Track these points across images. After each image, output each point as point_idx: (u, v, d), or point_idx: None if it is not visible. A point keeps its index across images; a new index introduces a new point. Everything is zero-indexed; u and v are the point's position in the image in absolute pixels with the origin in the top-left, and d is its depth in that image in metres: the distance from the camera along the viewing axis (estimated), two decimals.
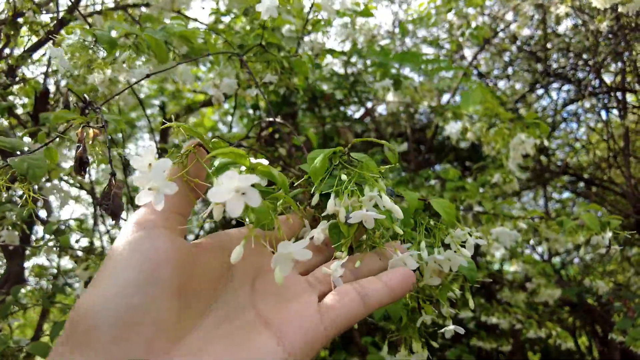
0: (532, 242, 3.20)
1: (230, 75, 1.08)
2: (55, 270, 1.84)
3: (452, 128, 1.26)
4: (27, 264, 1.76)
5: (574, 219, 0.82)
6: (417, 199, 0.58)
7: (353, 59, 1.84)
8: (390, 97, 1.63)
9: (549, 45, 3.15)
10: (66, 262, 1.95)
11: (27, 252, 1.70)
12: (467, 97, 1.18)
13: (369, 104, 2.56)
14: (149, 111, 3.02)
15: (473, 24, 2.22)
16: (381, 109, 3.62)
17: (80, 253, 1.27)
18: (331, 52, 1.59)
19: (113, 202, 0.59)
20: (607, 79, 3.31)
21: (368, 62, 1.91)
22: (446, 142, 3.77)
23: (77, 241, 1.28)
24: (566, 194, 4.23)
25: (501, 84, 3.75)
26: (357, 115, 2.54)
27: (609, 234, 0.76)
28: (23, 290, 2.27)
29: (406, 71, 2.56)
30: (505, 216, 1.09)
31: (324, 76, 2.08)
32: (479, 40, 2.16)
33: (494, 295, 2.42)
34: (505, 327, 2.11)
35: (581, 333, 3.66)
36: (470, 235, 0.56)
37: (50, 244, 1.20)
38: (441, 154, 3.41)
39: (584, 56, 3.07)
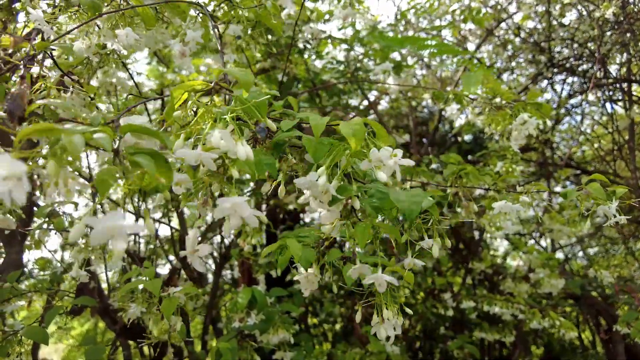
0: (535, 234, 3.17)
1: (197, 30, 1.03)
2: (58, 264, 1.84)
3: (453, 109, 1.24)
4: (30, 257, 1.75)
5: (578, 189, 0.80)
6: (323, 124, 0.55)
7: (355, 47, 1.81)
8: (391, 80, 1.61)
9: (553, 36, 3.11)
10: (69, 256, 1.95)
11: (28, 242, 1.69)
12: (469, 78, 1.16)
13: (372, 95, 2.54)
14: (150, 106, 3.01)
15: (475, 14, 2.19)
16: (384, 103, 3.60)
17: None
18: (331, 38, 1.57)
19: (13, 101, 0.59)
20: (612, 70, 3.28)
21: (369, 52, 1.89)
22: (448, 135, 3.74)
23: (71, 223, 1.27)
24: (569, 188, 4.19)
25: (504, 76, 3.72)
26: (359, 107, 2.51)
27: (615, 203, 0.73)
28: (26, 283, 2.27)
29: (408, 62, 2.53)
30: (508, 191, 1.07)
31: (325, 69, 2.07)
32: (481, 25, 2.13)
33: (497, 286, 2.40)
34: (508, 319, 2.09)
35: (584, 327, 3.63)
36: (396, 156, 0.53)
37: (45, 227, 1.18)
38: (443, 147, 3.38)
39: (589, 46, 3.03)
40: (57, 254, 1.82)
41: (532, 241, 3.17)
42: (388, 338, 0.62)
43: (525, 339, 2.57)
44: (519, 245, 2.29)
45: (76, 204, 1.35)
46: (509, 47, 3.42)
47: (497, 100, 1.14)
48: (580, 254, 3.93)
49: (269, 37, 1.23)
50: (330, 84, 1.86)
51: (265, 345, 1.46)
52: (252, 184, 2.06)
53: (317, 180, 0.52)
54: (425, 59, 3.63)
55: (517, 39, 3.33)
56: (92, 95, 0.91)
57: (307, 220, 2.80)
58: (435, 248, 0.62)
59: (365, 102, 2.97)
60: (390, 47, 1.45)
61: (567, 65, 3.31)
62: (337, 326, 2.76)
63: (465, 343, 1.91)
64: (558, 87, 3.71)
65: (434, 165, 1.55)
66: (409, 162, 0.53)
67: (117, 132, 0.40)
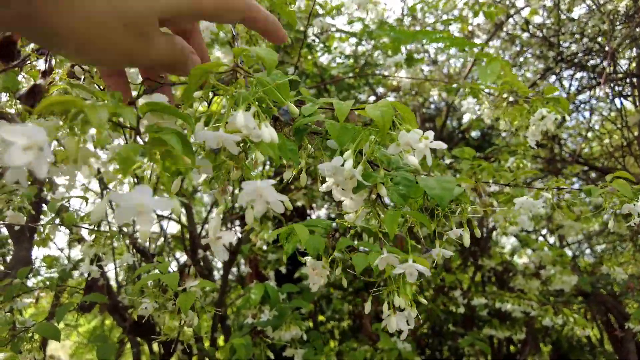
0: (544, 231, 3.14)
1: None
2: (66, 262, 1.83)
3: (469, 104, 1.22)
4: (38, 254, 1.75)
5: (602, 187, 0.77)
6: (348, 108, 0.53)
7: (364, 41, 1.79)
8: (402, 74, 1.59)
9: (562, 30, 3.08)
10: (77, 253, 1.94)
11: (36, 237, 1.68)
12: (485, 69, 1.14)
13: (380, 91, 2.52)
14: None
15: (486, 8, 2.16)
16: (391, 99, 3.57)
17: (86, 232, 1.25)
18: (340, 31, 1.55)
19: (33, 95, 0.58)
20: (622, 65, 3.24)
21: (379, 45, 1.87)
22: (456, 131, 3.71)
23: (81, 218, 1.25)
24: (577, 185, 4.16)
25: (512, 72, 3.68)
26: (367, 102, 2.49)
27: None
28: (34, 280, 2.27)
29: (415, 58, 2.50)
30: (526, 187, 1.04)
31: (331, 65, 2.05)
32: (492, 19, 2.10)
33: (506, 283, 2.38)
34: (519, 316, 2.06)
35: (593, 326, 3.60)
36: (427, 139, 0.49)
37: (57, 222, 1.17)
38: (451, 143, 3.36)
39: (599, 40, 2.99)
40: (65, 251, 1.82)
41: (541, 238, 3.14)
42: (400, 333, 0.60)
43: (535, 337, 2.54)
44: (528, 242, 2.26)
45: (86, 199, 1.34)
46: (517, 42, 3.39)
47: (513, 94, 1.12)
48: (588, 251, 3.89)
49: None
50: (339, 78, 1.84)
51: (277, 342, 1.45)
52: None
53: (342, 165, 0.49)
54: (432, 55, 3.61)
55: (525, 35, 3.30)
56: (102, 87, 0.90)
57: (313, 217, 2.79)
58: (467, 237, 0.59)
59: (373, 98, 2.95)
60: (401, 40, 1.43)
61: (576, 60, 3.28)
62: (345, 323, 2.74)
63: (476, 340, 1.89)
64: (566, 83, 3.68)
65: (446, 161, 1.53)
66: (441, 145, 0.50)
67: (137, 111, 0.38)
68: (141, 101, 0.42)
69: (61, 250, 1.93)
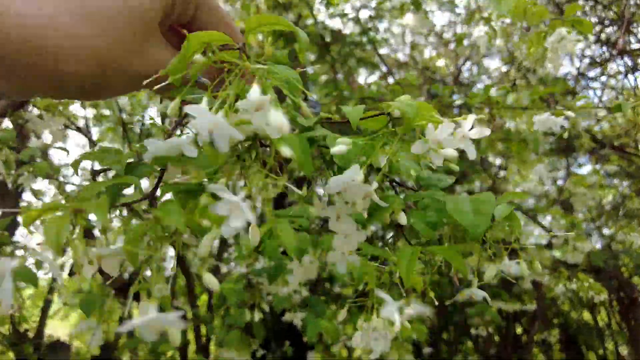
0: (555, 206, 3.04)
1: None
2: None
3: (480, 31, 1.12)
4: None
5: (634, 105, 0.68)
6: (359, 113, 0.41)
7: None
8: (410, 17, 1.49)
9: None
10: None
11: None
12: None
13: (384, 50, 2.42)
14: None
15: None
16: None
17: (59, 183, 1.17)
18: None
19: None
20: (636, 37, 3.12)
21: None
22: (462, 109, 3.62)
23: (57, 170, 1.17)
24: (587, 168, 4.06)
25: None
26: (372, 62, 2.39)
27: None
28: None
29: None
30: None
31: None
32: None
33: (516, 253, 2.29)
34: (528, 287, 1.98)
35: (600, 310, 3.52)
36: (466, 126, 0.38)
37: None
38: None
39: (613, 8, 2.88)
40: None
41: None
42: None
43: (545, 312, 2.46)
44: (538, 210, 2.17)
45: (67, 150, 1.26)
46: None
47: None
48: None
49: None
50: (340, 34, 1.75)
51: (275, 302, 1.37)
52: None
53: (354, 180, 0.37)
54: (438, 29, 3.50)
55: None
56: None
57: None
58: (524, 268, 0.44)
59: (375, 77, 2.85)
60: None
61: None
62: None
63: (485, 309, 1.81)
64: (576, 61, 3.56)
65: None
66: (484, 132, 0.38)
67: None
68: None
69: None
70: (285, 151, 0.32)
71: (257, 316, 1.22)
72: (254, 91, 0.31)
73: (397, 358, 1.21)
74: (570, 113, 0.81)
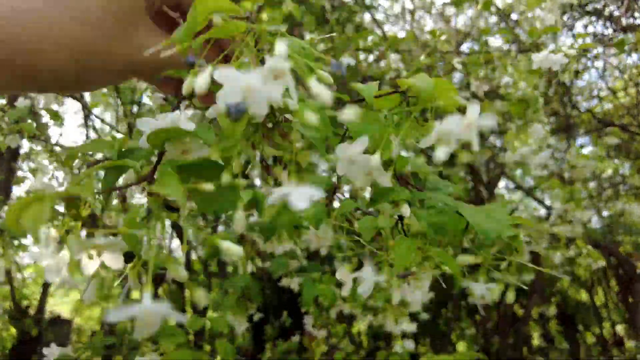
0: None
1: None
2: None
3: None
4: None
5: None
6: (374, 89, 0.39)
7: None
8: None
9: None
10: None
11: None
12: None
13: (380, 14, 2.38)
14: None
15: None
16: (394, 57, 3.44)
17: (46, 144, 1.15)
18: None
19: None
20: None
21: None
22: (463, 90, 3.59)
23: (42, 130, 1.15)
24: (589, 149, 4.03)
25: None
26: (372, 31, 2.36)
27: None
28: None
29: None
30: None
31: None
32: None
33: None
34: (526, 260, 1.97)
35: (597, 291, 3.54)
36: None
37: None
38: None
39: None
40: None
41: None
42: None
43: (542, 287, 2.47)
44: (537, 183, 2.15)
45: (60, 119, 1.23)
46: None
47: None
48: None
49: None
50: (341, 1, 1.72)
51: (273, 267, 1.37)
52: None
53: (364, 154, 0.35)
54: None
55: None
56: None
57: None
58: (511, 295, 0.47)
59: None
60: None
61: (590, 9, 3.12)
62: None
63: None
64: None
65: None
66: (493, 121, 0.34)
67: None
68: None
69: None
70: (311, 117, 0.30)
71: (250, 268, 1.22)
72: (281, 46, 0.29)
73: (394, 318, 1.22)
74: (570, 51, 0.79)
